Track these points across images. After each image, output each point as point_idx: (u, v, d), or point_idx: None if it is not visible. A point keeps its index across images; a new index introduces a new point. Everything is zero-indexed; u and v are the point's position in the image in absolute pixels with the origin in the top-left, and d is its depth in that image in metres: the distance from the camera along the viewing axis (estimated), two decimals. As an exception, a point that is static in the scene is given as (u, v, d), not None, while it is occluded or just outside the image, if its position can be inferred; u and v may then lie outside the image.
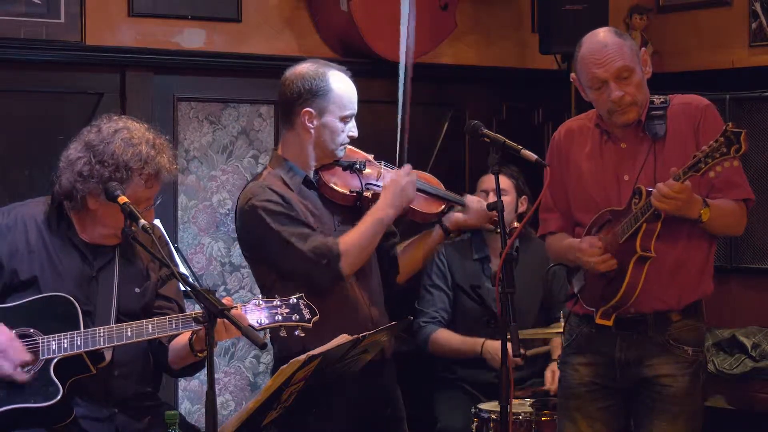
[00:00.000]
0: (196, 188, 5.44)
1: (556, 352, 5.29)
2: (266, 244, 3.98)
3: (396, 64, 4.78)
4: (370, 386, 4.07)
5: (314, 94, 4.05)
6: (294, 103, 4.06)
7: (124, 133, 3.65)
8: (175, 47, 5.37)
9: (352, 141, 4.16)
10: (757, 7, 6.03)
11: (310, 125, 4.06)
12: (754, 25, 6.06)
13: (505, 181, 5.16)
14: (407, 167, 4.17)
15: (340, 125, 4.08)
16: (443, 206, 4.21)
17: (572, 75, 4.08)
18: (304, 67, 4.10)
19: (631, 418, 4.07)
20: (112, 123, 3.70)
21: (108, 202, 3.58)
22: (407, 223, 4.33)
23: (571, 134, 4.17)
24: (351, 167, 4.12)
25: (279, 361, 3.95)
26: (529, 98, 6.33)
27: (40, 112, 5.06)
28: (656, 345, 3.95)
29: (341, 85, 4.09)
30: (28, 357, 3.51)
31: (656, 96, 4.00)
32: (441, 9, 5.77)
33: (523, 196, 5.29)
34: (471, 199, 4.24)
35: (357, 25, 5.49)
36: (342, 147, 4.12)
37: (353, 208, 4.12)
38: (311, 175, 4.10)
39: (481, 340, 5.13)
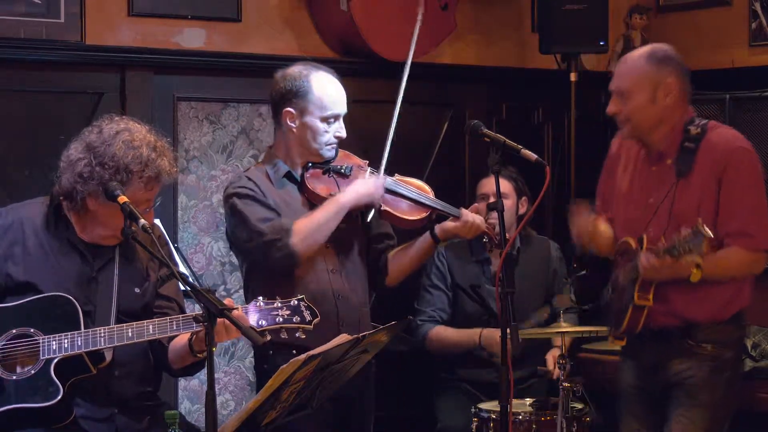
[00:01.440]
0: (196, 188, 5.44)
1: (558, 340, 5.30)
2: (233, 225, 4.18)
3: (396, 64, 4.78)
4: None
5: (294, 94, 4.19)
6: (278, 103, 4.24)
7: (125, 134, 3.65)
8: (175, 47, 5.37)
9: (342, 143, 4.27)
10: (757, 6, 6.03)
11: (292, 124, 4.21)
12: (754, 25, 6.06)
13: (505, 184, 5.16)
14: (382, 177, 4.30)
15: (321, 125, 4.20)
16: (427, 214, 4.30)
17: None
18: (291, 69, 4.26)
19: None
20: (113, 124, 3.69)
21: (107, 203, 3.58)
22: (403, 229, 4.41)
23: (621, 147, 4.28)
24: (337, 171, 4.25)
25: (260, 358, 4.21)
26: (529, 98, 6.33)
27: (40, 112, 5.06)
28: (678, 349, 4.07)
29: (322, 86, 4.21)
30: None
31: (694, 125, 4.04)
32: (441, 9, 5.77)
33: (523, 198, 5.29)
34: (465, 212, 4.31)
35: (357, 25, 5.49)
36: (329, 147, 4.24)
37: None
38: (297, 171, 4.24)
39: (479, 330, 5.12)
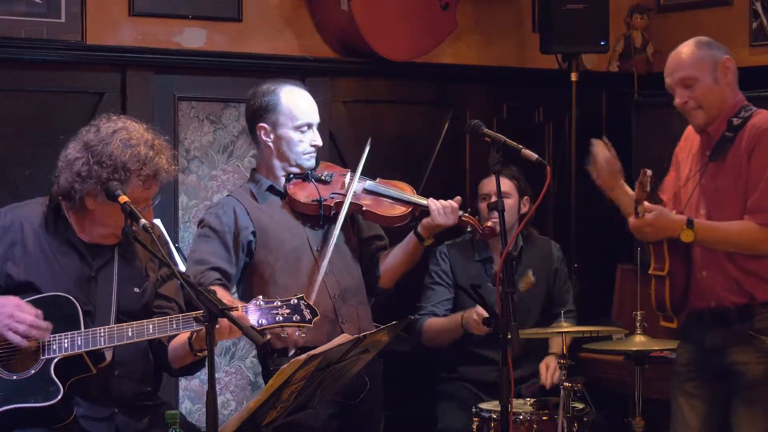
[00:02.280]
0: (197, 188, 5.44)
1: (554, 346, 5.30)
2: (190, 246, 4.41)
3: (396, 64, 4.78)
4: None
5: (265, 109, 4.37)
6: (252, 121, 4.43)
7: (123, 133, 3.65)
8: (176, 47, 5.37)
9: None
10: (758, 6, 6.02)
11: (267, 139, 4.38)
12: (754, 25, 6.06)
13: (506, 183, 5.16)
14: None
15: (295, 135, 4.36)
16: (408, 209, 4.43)
17: None
18: (260, 87, 4.44)
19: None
20: (110, 123, 3.69)
21: (106, 202, 3.58)
22: (394, 229, 4.55)
23: (687, 135, 4.39)
24: (318, 179, 4.42)
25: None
26: (530, 98, 6.32)
27: (40, 112, 5.06)
28: (739, 335, 4.15)
29: (291, 98, 4.38)
30: (42, 323, 3.52)
31: (739, 115, 4.18)
32: (441, 9, 5.76)
33: (525, 197, 5.28)
34: (432, 201, 4.41)
35: (357, 24, 5.49)
36: (307, 156, 4.39)
37: (319, 216, 4.38)
38: (279, 183, 4.40)
39: (461, 312, 5.11)
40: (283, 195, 4.41)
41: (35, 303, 3.59)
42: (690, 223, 4.06)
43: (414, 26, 5.71)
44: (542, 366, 5.21)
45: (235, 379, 5.56)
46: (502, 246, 3.77)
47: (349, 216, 4.43)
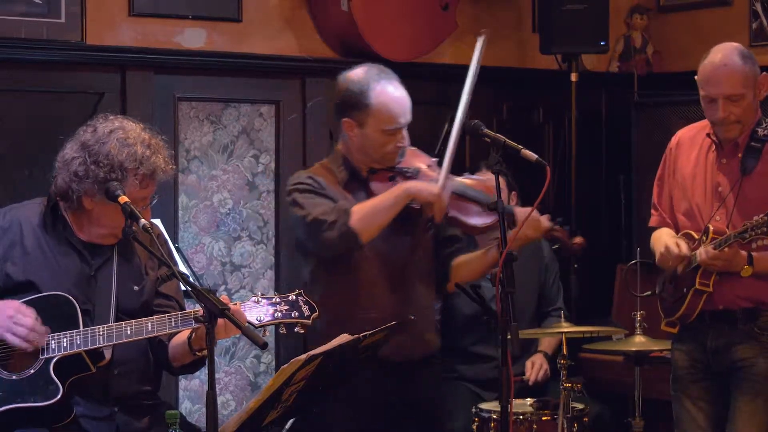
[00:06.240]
0: (197, 188, 5.44)
1: (544, 344, 5.31)
2: (295, 219, 4.06)
3: (396, 64, 4.77)
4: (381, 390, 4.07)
5: (353, 106, 4.07)
6: (338, 110, 4.13)
7: (120, 133, 3.65)
8: (176, 47, 5.37)
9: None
10: (758, 7, 6.02)
11: (351, 134, 4.10)
12: (754, 25, 6.06)
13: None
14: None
15: (381, 138, 4.07)
16: (494, 221, 4.01)
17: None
18: (353, 75, 4.11)
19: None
20: (107, 123, 3.69)
21: (104, 203, 3.58)
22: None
23: (681, 143, 4.39)
24: (402, 173, 4.11)
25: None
26: (530, 98, 6.32)
27: (40, 112, 5.06)
28: (743, 333, 4.18)
29: (383, 99, 4.05)
30: (41, 328, 3.51)
31: (762, 126, 4.20)
32: (442, 9, 5.77)
33: (513, 192, 5.28)
34: (519, 210, 4.06)
35: (357, 24, 5.50)
36: (392, 156, 4.11)
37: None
38: (362, 172, 4.13)
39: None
40: (364, 185, 4.12)
41: (34, 302, 3.59)
42: (750, 260, 4.07)
43: (414, 27, 5.72)
44: (528, 363, 5.22)
45: (235, 380, 5.56)
46: (501, 246, 3.75)
47: (427, 218, 4.10)
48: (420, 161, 4.18)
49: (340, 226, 3.94)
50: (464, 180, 4.19)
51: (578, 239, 4.14)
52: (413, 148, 4.19)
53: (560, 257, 5.23)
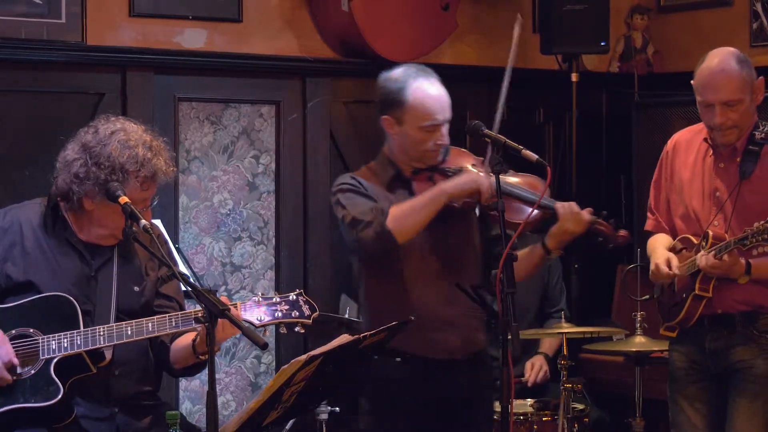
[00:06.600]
0: (197, 188, 5.44)
1: (545, 345, 5.31)
2: (339, 220, 4.05)
3: (397, 64, 4.77)
4: (423, 389, 4.04)
5: (391, 103, 4.06)
6: (379, 108, 4.12)
7: (121, 134, 3.64)
8: (176, 47, 5.37)
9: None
10: (758, 7, 6.03)
11: (391, 131, 4.09)
12: (754, 25, 6.06)
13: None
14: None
15: (420, 135, 4.05)
16: (538, 217, 3.99)
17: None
18: (392, 74, 4.10)
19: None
20: (109, 124, 3.69)
21: (104, 203, 3.58)
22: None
23: (678, 147, 4.38)
24: (444, 173, 4.07)
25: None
26: (530, 98, 6.32)
27: (40, 112, 5.06)
28: (742, 336, 4.17)
29: (419, 95, 4.03)
30: (15, 360, 3.51)
31: (759, 129, 4.19)
32: (442, 9, 5.77)
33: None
34: (560, 205, 4.03)
35: (358, 24, 5.50)
36: (432, 154, 4.08)
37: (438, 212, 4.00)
38: (406, 172, 4.11)
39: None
40: (408, 186, 4.10)
41: (34, 303, 3.59)
42: (748, 269, 4.06)
43: (414, 27, 5.72)
44: (528, 364, 5.22)
45: (236, 380, 5.56)
46: (502, 246, 3.74)
47: (475, 211, 4.09)
48: (465, 160, 4.15)
49: (376, 226, 3.93)
50: (508, 178, 4.12)
51: (623, 232, 4.05)
52: (459, 148, 4.17)
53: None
